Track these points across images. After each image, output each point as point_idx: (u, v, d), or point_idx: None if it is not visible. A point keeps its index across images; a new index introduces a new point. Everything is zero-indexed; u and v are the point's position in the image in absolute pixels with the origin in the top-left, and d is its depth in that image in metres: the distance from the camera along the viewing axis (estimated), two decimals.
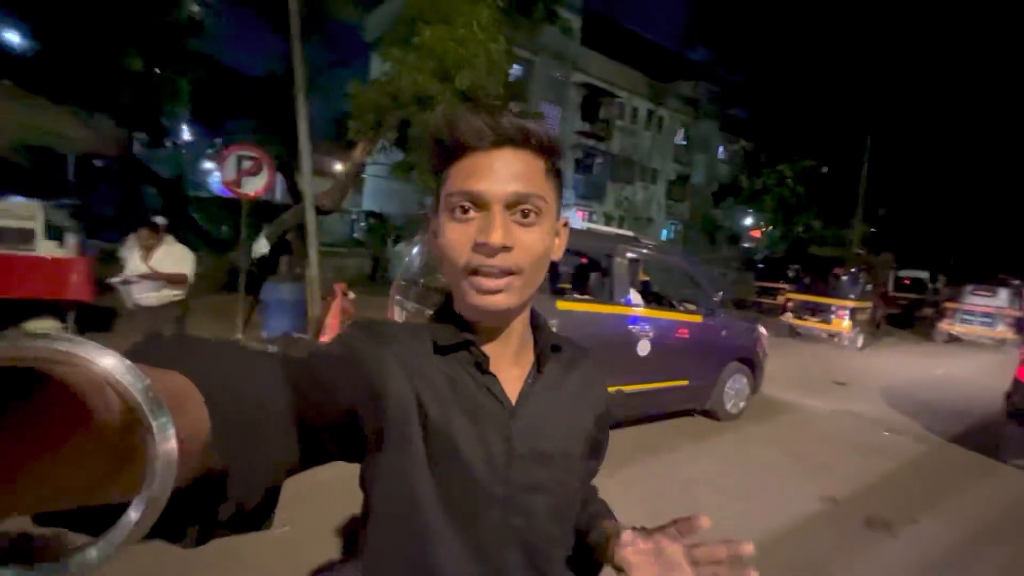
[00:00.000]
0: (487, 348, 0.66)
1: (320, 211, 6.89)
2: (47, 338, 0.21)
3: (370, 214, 18.45)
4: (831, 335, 9.96)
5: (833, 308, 9.77)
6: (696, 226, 29.66)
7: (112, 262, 6.05)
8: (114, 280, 4.16)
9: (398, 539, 0.62)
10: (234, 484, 0.35)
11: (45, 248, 5.32)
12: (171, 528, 0.32)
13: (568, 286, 5.21)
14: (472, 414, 0.62)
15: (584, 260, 5.32)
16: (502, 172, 0.58)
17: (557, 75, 22.52)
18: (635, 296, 4.31)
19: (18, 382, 0.21)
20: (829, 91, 22.28)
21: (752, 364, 5.13)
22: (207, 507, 0.35)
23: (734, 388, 5.01)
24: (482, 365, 0.64)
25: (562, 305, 3.78)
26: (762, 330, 5.31)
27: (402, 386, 0.60)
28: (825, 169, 22.60)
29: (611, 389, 3.89)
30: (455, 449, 0.61)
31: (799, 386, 6.56)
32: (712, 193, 29.81)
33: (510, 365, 0.67)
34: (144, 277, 4.02)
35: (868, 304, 10.16)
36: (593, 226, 4.62)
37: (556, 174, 0.64)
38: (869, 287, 10.23)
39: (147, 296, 4.14)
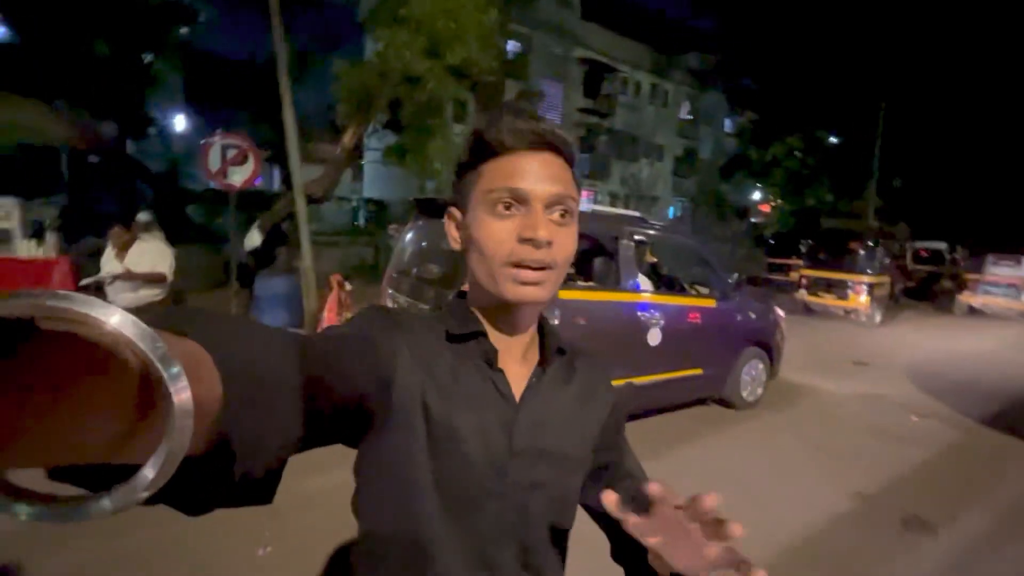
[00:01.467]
0: (497, 344, 0.67)
1: (311, 200, 6.61)
2: (56, 296, 0.21)
3: (370, 201, 18.15)
4: (847, 311, 9.60)
5: (850, 283, 9.39)
6: (704, 202, 29.06)
7: (97, 260, 5.83)
8: (86, 282, 3.92)
9: (394, 525, 0.63)
10: (241, 453, 0.35)
11: (24, 248, 5.10)
12: (176, 494, 0.31)
13: (571, 271, 4.92)
14: (475, 407, 0.64)
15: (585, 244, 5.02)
16: (543, 173, 0.62)
17: (557, 50, 21.86)
18: (644, 281, 4.01)
19: (29, 337, 0.22)
20: (840, 57, 21.46)
21: (770, 348, 4.83)
22: (212, 475, 0.34)
23: (750, 374, 4.73)
24: (491, 359, 0.66)
25: (563, 294, 3.48)
26: (780, 312, 5.00)
27: (411, 374, 0.61)
28: (836, 140, 21.92)
29: (620, 382, 3.63)
30: (456, 441, 0.62)
31: (817, 368, 6.26)
32: (720, 167, 29.15)
33: (517, 363, 0.69)
34: (118, 278, 3.75)
35: (886, 278, 9.78)
36: (597, 207, 4.30)
37: (578, 179, 0.67)
38: (887, 260, 9.82)
39: (123, 297, 3.88)
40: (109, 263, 3.88)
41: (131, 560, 2.28)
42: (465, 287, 0.73)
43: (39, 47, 6.67)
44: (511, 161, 0.62)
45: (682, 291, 4.55)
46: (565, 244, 0.63)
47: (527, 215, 0.61)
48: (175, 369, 0.24)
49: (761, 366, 4.79)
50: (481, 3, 5.36)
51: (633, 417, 4.13)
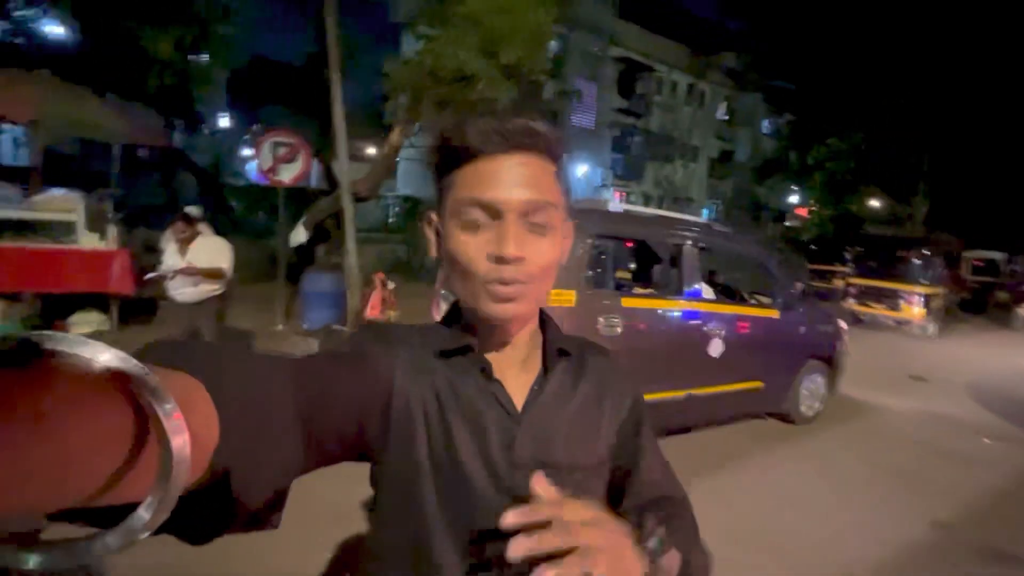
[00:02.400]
0: (493, 354, 0.65)
1: (357, 198, 6.64)
2: (49, 338, 0.21)
3: (405, 199, 18.27)
4: (899, 323, 9.21)
5: (903, 293, 9.01)
6: (738, 205, 28.42)
7: (152, 253, 5.98)
8: (151, 276, 4.00)
9: (401, 541, 0.62)
10: (241, 484, 0.35)
11: (87, 241, 5.24)
12: (179, 525, 0.31)
13: (627, 275, 4.82)
14: (473, 421, 0.61)
15: (627, 245, 4.88)
16: (513, 180, 0.57)
17: (593, 49, 21.63)
18: (706, 290, 3.88)
19: (24, 377, 0.21)
20: (885, 54, 20.65)
21: (831, 362, 4.63)
22: (215, 506, 0.34)
23: (810, 389, 4.54)
24: (486, 371, 0.63)
25: (627, 302, 3.39)
26: (843, 324, 4.79)
27: (408, 390, 0.60)
28: (880, 143, 21.12)
29: (680, 393, 3.53)
30: (455, 456, 0.60)
31: (873, 382, 6.00)
32: (756, 170, 28.43)
33: (517, 371, 0.66)
34: (181, 272, 3.81)
35: (942, 289, 9.35)
36: (656, 211, 4.19)
37: (565, 177, 0.63)
38: (943, 270, 9.40)
39: (184, 292, 3.95)
40: (171, 257, 3.95)
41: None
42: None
43: (98, 44, 6.88)
44: (479, 168, 0.57)
45: (742, 300, 4.39)
46: (540, 255, 0.58)
47: (498, 228, 0.56)
48: (168, 404, 0.24)
49: (821, 380, 4.60)
50: (534, 1, 5.28)
51: (686, 430, 4.01)
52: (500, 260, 0.56)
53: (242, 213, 12.70)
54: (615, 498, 0.72)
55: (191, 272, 3.82)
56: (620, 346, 3.25)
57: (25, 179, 6.28)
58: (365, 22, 13.64)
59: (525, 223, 0.57)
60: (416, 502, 0.60)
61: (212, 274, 3.93)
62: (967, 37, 19.06)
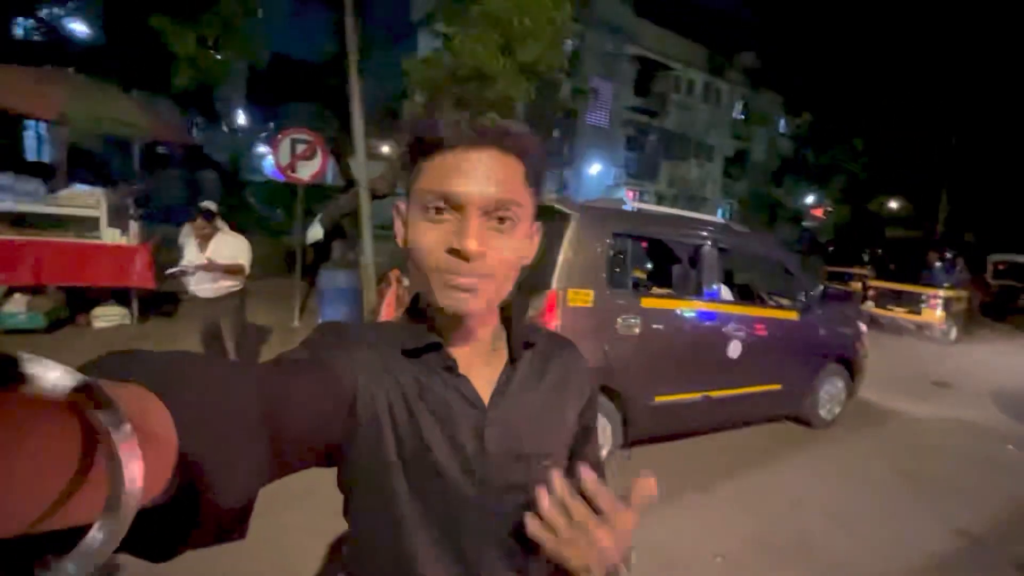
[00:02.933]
0: (457, 349, 0.65)
1: (375, 196, 6.67)
2: None
3: None
4: (919, 326, 9.04)
5: (924, 297, 8.83)
6: (754, 205, 28.09)
7: (173, 248, 6.05)
8: (172, 271, 4.05)
9: (379, 539, 0.62)
10: (204, 496, 0.33)
11: (109, 236, 5.33)
12: (139, 543, 0.30)
13: (644, 275, 4.78)
14: (442, 417, 0.62)
15: (644, 245, 4.83)
16: (480, 174, 0.57)
17: (609, 47, 21.50)
18: (725, 291, 3.83)
19: None
20: (904, 54, 20.26)
21: (851, 365, 4.56)
22: (176, 521, 0.33)
23: (830, 392, 4.47)
24: (451, 367, 0.63)
25: (646, 302, 3.36)
26: (863, 326, 4.71)
27: (371, 390, 0.60)
28: (901, 144, 20.72)
29: (696, 395, 3.49)
30: (426, 452, 0.60)
31: (894, 387, 5.90)
32: (772, 170, 28.09)
33: (482, 365, 0.66)
34: (201, 268, 3.86)
35: (964, 293, 9.16)
36: (674, 210, 4.14)
37: (535, 178, 0.62)
38: (966, 274, 9.20)
39: (204, 287, 4.00)
40: (191, 253, 3.99)
41: None
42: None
43: (122, 42, 6.98)
44: (447, 159, 0.57)
45: (761, 301, 4.34)
46: (504, 253, 0.58)
47: (460, 221, 0.56)
48: (119, 418, 0.22)
49: (841, 384, 4.53)
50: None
51: (700, 432, 3.97)
52: (458, 254, 0.56)
53: (263, 210, 12.83)
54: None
55: (211, 268, 3.86)
56: (638, 346, 3.23)
57: (48, 174, 6.41)
58: (383, 19, 13.70)
59: (487, 218, 0.57)
60: (388, 500, 0.60)
61: (231, 270, 3.98)
62: (989, 36, 18.61)
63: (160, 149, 13.07)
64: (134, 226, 5.47)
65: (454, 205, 0.56)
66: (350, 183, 9.74)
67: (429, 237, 0.57)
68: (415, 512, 0.61)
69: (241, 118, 14.94)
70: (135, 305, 5.68)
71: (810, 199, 26.93)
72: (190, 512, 0.33)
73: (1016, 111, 18.82)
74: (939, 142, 18.54)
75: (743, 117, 28.61)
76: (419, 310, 0.68)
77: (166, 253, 6.11)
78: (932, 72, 19.35)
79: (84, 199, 5.30)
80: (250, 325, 5.66)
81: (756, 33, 27.54)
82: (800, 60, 25.91)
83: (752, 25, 27.88)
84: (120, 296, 5.62)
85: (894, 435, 4.60)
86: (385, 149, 15.22)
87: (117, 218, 5.40)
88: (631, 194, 23.27)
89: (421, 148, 0.59)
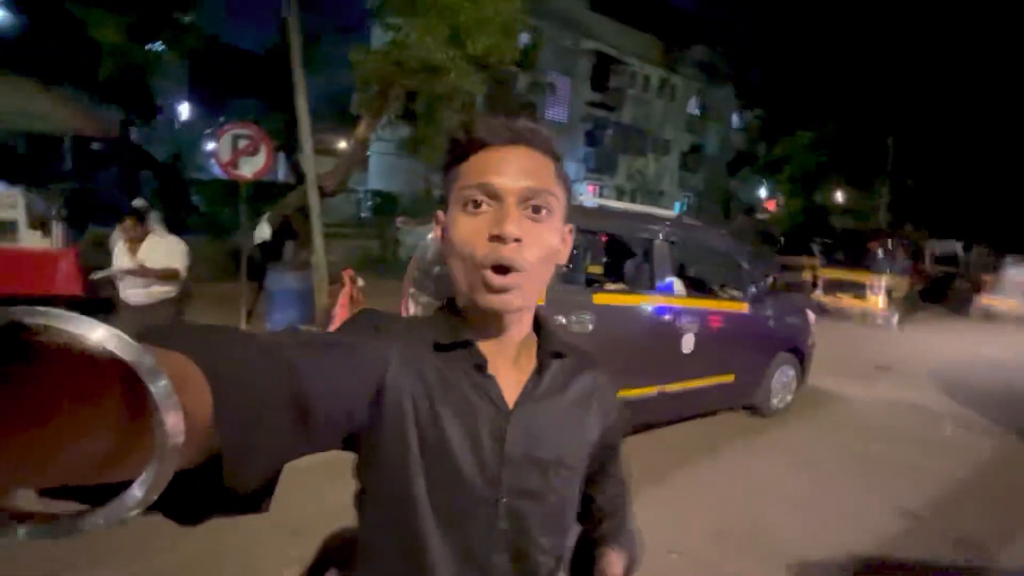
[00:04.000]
0: (487, 349, 0.65)
1: (324, 193, 6.44)
2: (40, 315, 0.21)
3: (376, 193, 17.94)
4: (864, 313, 9.44)
5: (869, 284, 9.22)
6: (710, 198, 28.81)
7: (102, 251, 5.64)
8: (97, 276, 3.76)
9: (390, 531, 0.63)
10: (233, 467, 0.35)
11: (29, 239, 4.92)
12: (170, 504, 0.31)
13: (599, 270, 4.75)
14: (465, 415, 0.62)
15: (603, 239, 4.82)
16: (516, 167, 0.60)
17: (566, 42, 21.54)
18: (677, 284, 3.84)
19: (12, 355, 0.21)
20: (852, 49, 21.13)
21: (801, 354, 4.67)
22: (206, 487, 0.34)
23: (781, 381, 4.57)
24: (481, 366, 0.64)
25: (599, 299, 3.32)
26: (811, 316, 4.84)
27: (400, 381, 0.61)
28: (846, 136, 21.62)
29: (652, 390, 3.48)
30: (445, 449, 0.61)
31: (840, 372, 6.10)
32: (727, 163, 28.84)
33: (510, 368, 0.67)
34: (130, 273, 3.58)
35: (905, 280, 9.61)
36: (631, 206, 4.13)
37: (564, 178, 0.66)
38: (906, 262, 9.66)
39: (135, 293, 3.73)
40: (121, 257, 3.71)
41: None
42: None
43: (45, 32, 6.46)
44: (484, 157, 0.61)
45: (713, 294, 4.38)
46: (539, 241, 0.61)
47: (498, 210, 0.59)
48: (162, 382, 0.23)
49: (792, 372, 4.64)
50: None
51: (654, 426, 3.98)
52: (499, 239, 0.57)
53: (206, 209, 12.24)
54: (594, 487, 0.81)
55: (142, 273, 3.59)
56: (591, 343, 3.18)
57: None
58: (333, 9, 13.25)
59: (525, 208, 0.60)
60: (405, 491, 0.61)
61: (165, 275, 3.72)
62: (930, 28, 19.62)
63: (94, 146, 12.28)
64: (57, 229, 5.07)
65: (492, 196, 0.59)
66: (302, 180, 9.41)
67: (469, 228, 0.60)
68: (429, 506, 0.61)
69: (183, 113, 14.20)
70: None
71: (763, 192, 27.78)
72: (217, 482, 0.34)
73: (950, 109, 19.93)
74: (880, 136, 19.43)
75: (698, 112, 29.24)
76: (455, 307, 0.68)
77: (96, 257, 5.73)
78: (876, 66, 20.25)
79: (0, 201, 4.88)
80: None
81: (709, 28, 28.15)
82: (751, 55, 26.66)
83: (705, 20, 28.47)
84: (41, 305, 5.21)
85: (841, 419, 4.75)
86: (341, 145, 14.81)
87: (38, 220, 4.99)
88: (592, 188, 23.48)
89: (459, 151, 0.63)
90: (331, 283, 6.12)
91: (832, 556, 2.67)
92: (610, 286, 3.74)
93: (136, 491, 0.24)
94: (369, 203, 17.51)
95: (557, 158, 0.65)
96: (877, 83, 19.96)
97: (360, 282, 6.36)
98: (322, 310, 6.02)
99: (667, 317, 3.62)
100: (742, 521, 2.95)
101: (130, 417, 0.25)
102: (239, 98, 13.97)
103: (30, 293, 4.96)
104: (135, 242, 3.71)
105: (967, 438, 4.48)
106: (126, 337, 0.22)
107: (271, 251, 7.72)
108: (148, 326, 0.35)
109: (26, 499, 0.24)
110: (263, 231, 7.00)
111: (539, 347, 0.69)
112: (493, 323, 0.65)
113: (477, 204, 0.60)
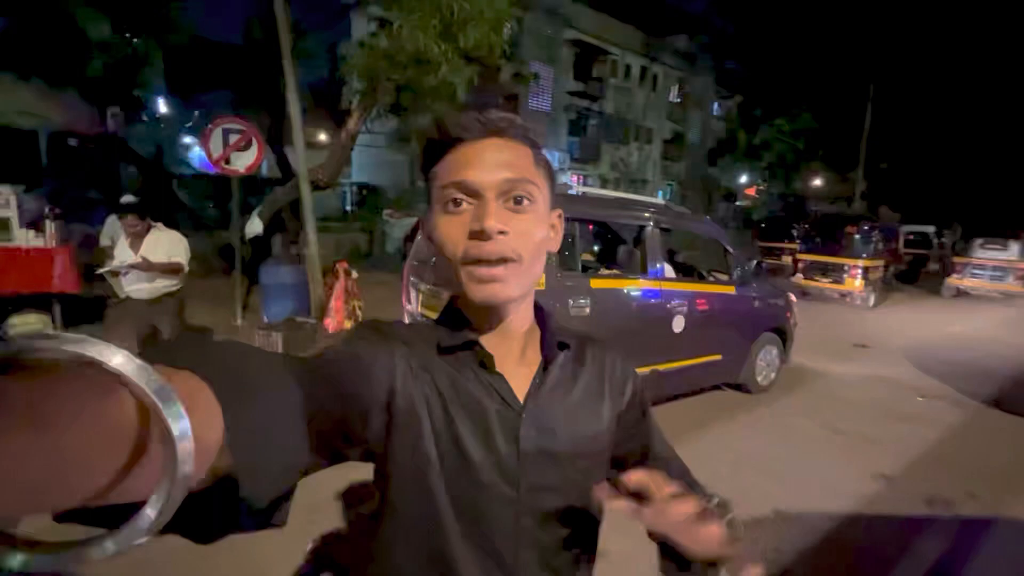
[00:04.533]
0: (491, 347, 0.65)
1: (316, 187, 6.48)
2: (55, 339, 0.21)
3: (362, 186, 17.86)
4: (843, 294, 9.79)
5: (846, 267, 9.56)
6: (693, 186, 29.19)
7: (93, 248, 5.62)
8: (103, 270, 3.81)
9: (413, 537, 0.63)
10: (247, 484, 0.35)
11: (22, 238, 4.91)
12: (185, 524, 0.31)
13: (592, 257, 4.92)
14: (477, 415, 0.62)
15: (590, 228, 4.98)
16: (492, 160, 0.59)
17: (548, 32, 21.56)
18: (668, 269, 4.02)
19: (25, 381, 0.21)
20: (827, 39, 21.53)
21: (784, 334, 4.90)
22: (220, 506, 0.34)
23: (765, 360, 4.80)
24: (487, 364, 0.64)
25: (595, 283, 3.48)
26: (792, 298, 5.07)
27: (410, 387, 0.61)
28: (823, 123, 22.07)
29: (645, 369, 3.66)
30: (461, 451, 0.61)
31: (821, 351, 6.38)
32: (708, 151, 29.22)
33: (517, 364, 0.67)
34: (135, 267, 3.65)
35: (880, 262, 9.97)
36: (619, 193, 4.28)
37: (545, 165, 0.65)
38: (881, 244, 10.01)
39: (139, 288, 3.80)
40: (123, 252, 3.77)
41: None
42: None
43: (26, 27, 6.34)
44: (459, 154, 0.60)
45: (701, 278, 4.57)
46: (525, 232, 0.60)
47: (478, 206, 0.59)
48: (174, 404, 0.24)
49: (775, 351, 4.87)
50: None
51: (654, 403, 4.17)
52: (481, 234, 0.57)
53: (191, 204, 12.11)
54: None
55: (147, 267, 3.66)
56: (589, 326, 3.35)
57: None
58: (312, 2, 13.11)
59: (505, 200, 0.59)
60: (425, 497, 0.61)
61: (170, 269, 3.79)
62: (904, 13, 20.06)
63: (71, 141, 12.06)
64: (51, 227, 5.06)
65: (470, 193, 0.58)
66: (288, 174, 9.38)
67: (450, 227, 0.59)
68: (451, 510, 0.61)
69: (163, 106, 13.96)
70: (57, 311, 5.28)
71: (744, 179, 28.24)
72: (231, 499, 0.34)
73: (924, 95, 20.47)
74: (855, 122, 19.88)
75: (679, 100, 29.51)
76: (455, 310, 0.68)
77: (83, 254, 5.71)
78: (848, 56, 20.66)
79: None
80: (193, 326, 5.42)
81: (689, 17, 28.36)
82: (730, 44, 26.96)
83: (684, 10, 28.68)
84: (38, 303, 5.20)
85: (821, 394, 5.01)
86: (322, 137, 14.70)
87: (29, 218, 4.98)
88: (576, 178, 23.61)
89: (433, 151, 0.61)
90: (323, 275, 6.19)
91: (812, 516, 2.89)
92: (604, 271, 3.90)
93: (149, 511, 0.24)
94: (351, 196, 17.44)
95: (535, 145, 0.64)
96: (852, 69, 20.38)
97: (354, 274, 6.45)
98: (317, 302, 6.10)
99: (658, 300, 3.81)
100: (728, 491, 3.13)
101: (140, 437, 0.25)
102: (214, 91, 13.75)
103: (28, 291, 4.97)
104: (137, 236, 3.77)
105: (938, 408, 4.77)
106: (139, 360, 0.23)
107: (261, 246, 7.75)
108: (158, 343, 0.38)
109: (39, 524, 0.25)
110: (254, 226, 7.02)
111: (543, 339, 0.69)
112: (491, 318, 0.65)
113: (457, 203, 0.59)
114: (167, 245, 3.83)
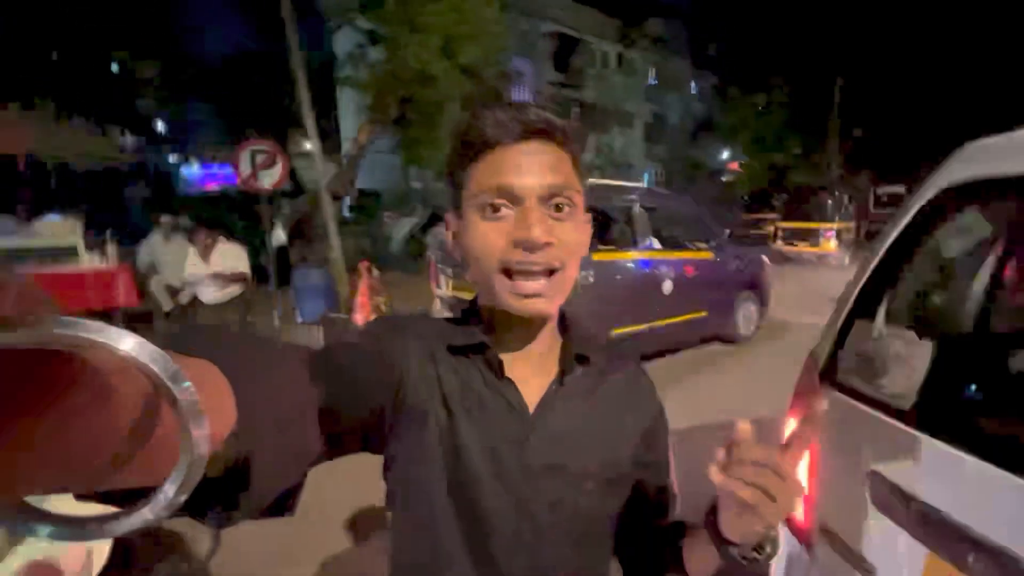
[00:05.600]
0: (507, 353, 0.64)
1: (334, 196, 7.14)
2: (66, 324, 0.20)
3: (361, 192, 18.41)
4: (819, 256, 10.60)
5: (820, 231, 10.36)
6: (676, 166, 29.92)
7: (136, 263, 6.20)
8: (185, 281, 4.45)
9: (414, 534, 0.62)
10: (259, 472, 0.36)
11: (87, 261, 5.56)
12: (198, 509, 0.33)
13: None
14: (481, 420, 0.61)
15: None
16: (534, 165, 0.57)
17: (525, 27, 22.14)
18: (655, 241, 4.75)
19: (42, 364, 0.21)
20: (796, 11, 22.22)
21: (760, 290, 5.67)
22: (233, 492, 0.35)
23: (745, 314, 5.56)
24: (497, 370, 0.62)
25: (596, 256, 4.21)
26: (765, 259, 5.82)
27: (418, 383, 0.60)
28: (796, 96, 22.79)
29: (643, 326, 4.41)
30: (463, 455, 0.60)
31: (800, 306, 7.15)
32: (689, 132, 29.96)
33: (532, 372, 0.64)
34: (216, 277, 4.32)
35: (851, 224, 10.78)
36: (608, 181, 5.02)
37: (581, 167, 0.62)
38: (851, 207, 10.81)
39: (211, 295, 4.47)
40: (195, 265, 4.44)
41: None
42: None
43: (54, 64, 6.89)
44: (497, 157, 0.57)
45: (684, 247, 5.32)
46: (568, 240, 0.58)
47: (520, 213, 0.56)
48: (187, 388, 0.24)
49: (753, 306, 5.63)
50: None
51: (650, 357, 4.92)
52: (527, 245, 0.55)
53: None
54: (642, 508, 0.70)
55: (226, 278, 4.34)
56: (593, 292, 4.08)
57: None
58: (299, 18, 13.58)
59: (547, 208, 0.57)
60: (426, 495, 0.60)
61: (238, 278, 4.47)
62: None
63: (72, 167, 12.61)
64: (111, 249, 5.72)
65: (511, 199, 0.56)
66: (298, 186, 10.02)
67: (490, 235, 0.56)
68: (450, 511, 0.60)
69: (167, 128, 14.52)
70: (120, 325, 5.92)
71: (725, 155, 28.98)
72: (243, 487, 0.35)
73: (893, 55, 21.16)
74: (827, 91, 20.61)
75: (656, 83, 30.17)
76: (475, 310, 0.67)
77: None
78: (816, 24, 21.32)
79: (61, 229, 5.51)
80: (255, 329, 6.08)
81: (660, 1, 28.98)
82: (702, 24, 27.65)
83: None
84: (103, 317, 5.82)
85: (799, 342, 5.75)
86: (308, 147, 15.19)
87: (93, 244, 5.64)
88: None
89: (469, 152, 0.58)
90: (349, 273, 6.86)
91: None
92: (602, 246, 4.63)
93: (167, 490, 0.25)
94: (353, 203, 17.98)
95: (573, 146, 0.60)
96: (821, 38, 21.05)
97: (376, 272, 7.13)
98: (346, 298, 6.77)
99: (650, 266, 4.55)
100: (723, 421, 3.88)
101: (156, 421, 0.25)
102: (199, 104, 14.16)
103: (98, 308, 5.63)
104: (207, 249, 4.45)
105: None
106: (151, 345, 0.23)
107: (284, 254, 8.42)
108: (172, 332, 0.38)
109: (60, 502, 0.26)
110: (279, 236, 7.69)
111: (564, 349, 0.66)
112: (516, 327, 0.63)
113: (496, 208, 0.56)
114: (232, 256, 4.51)
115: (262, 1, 5.63)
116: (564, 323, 0.68)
